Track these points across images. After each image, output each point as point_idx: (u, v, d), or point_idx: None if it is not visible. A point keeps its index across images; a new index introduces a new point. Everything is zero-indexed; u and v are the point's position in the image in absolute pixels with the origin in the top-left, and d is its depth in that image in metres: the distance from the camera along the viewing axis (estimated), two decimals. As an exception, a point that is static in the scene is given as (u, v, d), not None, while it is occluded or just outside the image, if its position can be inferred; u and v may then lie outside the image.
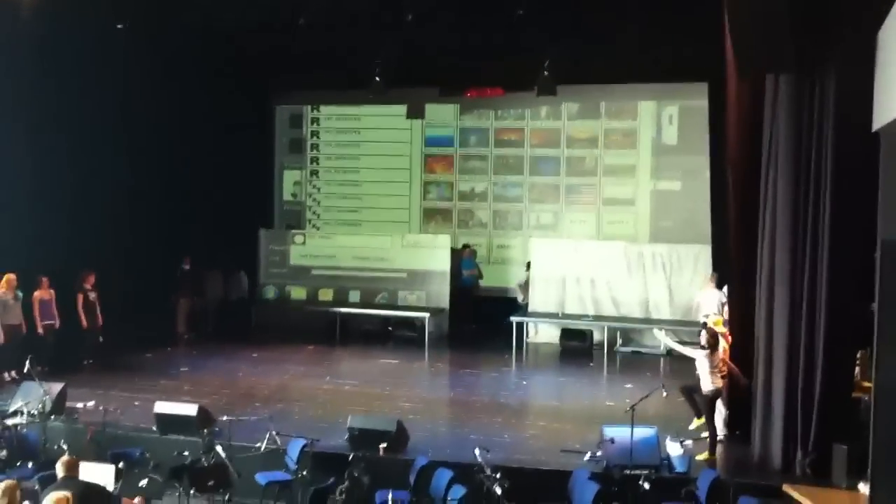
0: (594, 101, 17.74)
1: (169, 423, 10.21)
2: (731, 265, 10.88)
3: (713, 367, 9.82)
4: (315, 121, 19.53)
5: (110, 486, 7.86)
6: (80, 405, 11.03)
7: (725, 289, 12.08)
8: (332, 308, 17.42)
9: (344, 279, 17.94)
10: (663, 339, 11.07)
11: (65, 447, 8.99)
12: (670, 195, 17.25)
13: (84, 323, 13.72)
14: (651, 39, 14.04)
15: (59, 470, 7.33)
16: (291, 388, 13.10)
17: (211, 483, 8.81)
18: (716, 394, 9.93)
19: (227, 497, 8.87)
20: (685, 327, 15.12)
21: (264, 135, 19.25)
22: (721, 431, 10.17)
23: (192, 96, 15.97)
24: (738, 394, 10.17)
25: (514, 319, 16.01)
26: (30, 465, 9.26)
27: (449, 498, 8.22)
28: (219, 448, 9.10)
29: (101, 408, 10.47)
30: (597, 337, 16.15)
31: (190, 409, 10.26)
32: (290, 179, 19.66)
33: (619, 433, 9.22)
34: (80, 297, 13.70)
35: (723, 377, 9.99)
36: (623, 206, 17.64)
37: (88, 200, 14.25)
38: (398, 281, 17.67)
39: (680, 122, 17.19)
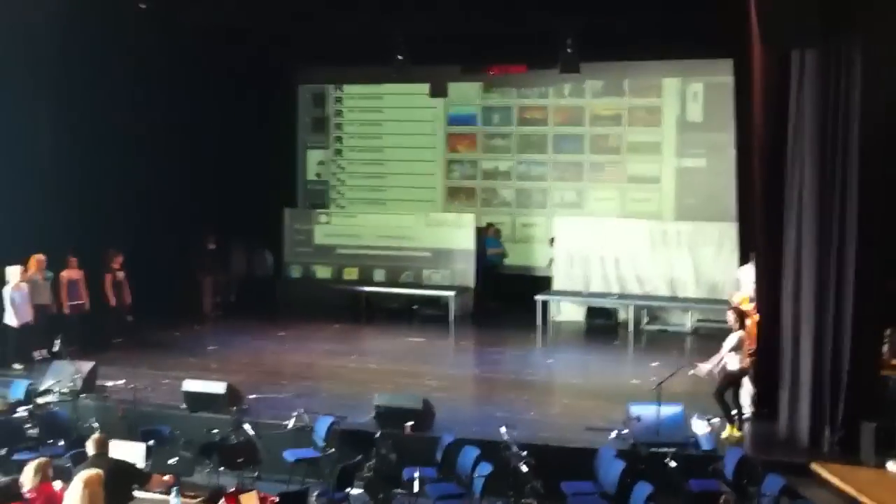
0: (618, 78, 17.58)
1: (198, 401, 10.32)
2: (757, 242, 10.81)
3: (741, 345, 9.79)
4: (338, 100, 19.50)
5: (141, 464, 7.97)
6: (110, 383, 11.23)
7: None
8: (357, 287, 17.49)
9: (368, 258, 17.98)
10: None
11: (95, 425, 9.11)
12: (695, 172, 17.11)
13: (112, 302, 13.86)
14: (675, 15, 13.89)
15: (90, 448, 7.43)
16: (318, 366, 13.20)
17: (240, 460, 8.93)
18: (743, 372, 9.90)
19: (255, 474, 8.97)
20: (710, 305, 15.09)
21: (287, 115, 19.26)
22: (748, 409, 10.15)
23: (216, 77, 16.02)
24: (764, 372, 10.14)
25: (539, 298, 16.00)
26: (61, 443, 9.39)
27: (475, 475, 8.27)
28: (247, 426, 9.21)
29: (130, 386, 10.64)
30: (622, 315, 16.11)
31: (218, 387, 10.37)
32: (313, 159, 19.67)
33: (646, 411, 9.24)
34: (109, 277, 13.83)
35: (749, 355, 9.96)
36: (647, 184, 17.52)
37: (115, 181, 14.32)
38: (422, 260, 17.70)
39: (705, 99, 17.01)
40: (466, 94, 18.64)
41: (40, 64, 13.24)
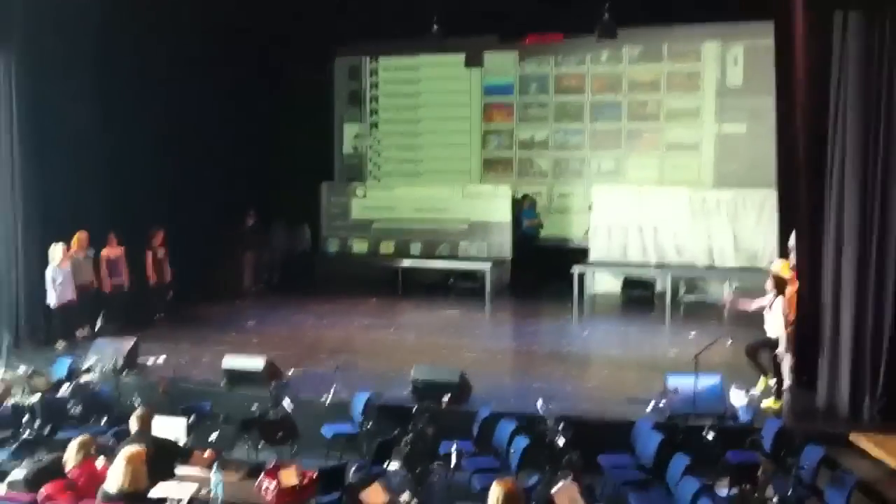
0: (656, 44, 17.32)
1: (237, 377, 10.43)
2: (799, 209, 10.62)
3: (780, 312, 9.67)
4: (373, 72, 19.45)
5: (182, 439, 8.07)
6: (151, 360, 11.35)
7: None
8: (393, 260, 17.53)
9: (405, 231, 18.00)
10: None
11: (137, 402, 9.22)
12: (735, 138, 16.83)
13: (153, 279, 14.03)
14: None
15: (133, 424, 7.55)
16: (356, 340, 13.28)
17: (279, 435, 9.01)
18: (780, 340, 9.77)
19: (294, 449, 9.06)
20: (750, 274, 14.90)
21: (324, 88, 19.26)
22: (787, 379, 10.03)
23: (252, 52, 16.04)
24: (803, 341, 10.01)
25: (576, 269, 15.91)
26: (104, 420, 9.52)
27: (512, 449, 8.28)
28: (286, 401, 9.28)
29: (171, 362, 10.76)
30: (659, 285, 15.97)
31: (258, 363, 10.45)
32: (350, 132, 19.67)
33: (683, 382, 9.17)
34: (150, 254, 13.99)
35: (789, 324, 9.83)
36: (686, 151, 17.29)
37: (155, 159, 14.41)
38: (459, 232, 17.67)
39: (745, 63, 16.71)
40: (502, 63, 18.49)
41: (79, 45, 13.29)
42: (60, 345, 12.31)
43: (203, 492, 6.82)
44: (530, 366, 11.88)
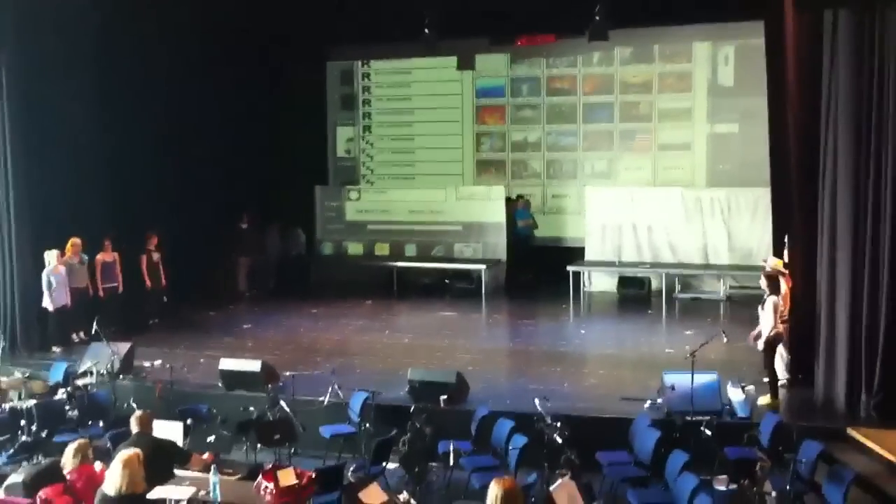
0: (647, 45, 17.36)
1: (234, 380, 10.43)
2: (792, 208, 10.67)
3: (775, 310, 9.70)
4: (366, 76, 19.47)
5: (179, 442, 8.07)
6: (147, 364, 11.37)
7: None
8: (388, 262, 17.54)
9: (399, 233, 18.01)
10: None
11: (134, 405, 9.21)
12: (728, 138, 16.90)
13: (148, 284, 14.01)
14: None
15: (134, 425, 7.55)
16: (352, 342, 13.27)
17: (277, 437, 9.01)
18: (777, 338, 9.81)
19: (292, 450, 9.06)
20: (744, 272, 14.95)
21: (316, 92, 19.27)
22: (783, 376, 10.07)
23: (246, 56, 16.06)
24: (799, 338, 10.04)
25: (571, 269, 15.94)
26: (100, 423, 9.55)
27: (510, 447, 8.30)
28: (283, 403, 9.29)
29: (167, 366, 10.76)
30: (655, 284, 16.02)
31: (254, 366, 10.46)
32: (343, 136, 19.67)
33: (680, 380, 9.19)
34: (144, 259, 13.97)
35: (784, 321, 9.87)
36: (679, 151, 17.33)
37: (149, 163, 14.42)
38: (453, 233, 17.69)
39: (736, 63, 16.76)
40: (494, 65, 18.53)
41: (76, 51, 13.33)
42: (56, 349, 12.30)
43: (201, 493, 6.82)
44: (527, 365, 11.89)
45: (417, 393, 9.87)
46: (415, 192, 18.38)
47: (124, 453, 6.49)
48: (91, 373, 10.45)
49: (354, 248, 18.45)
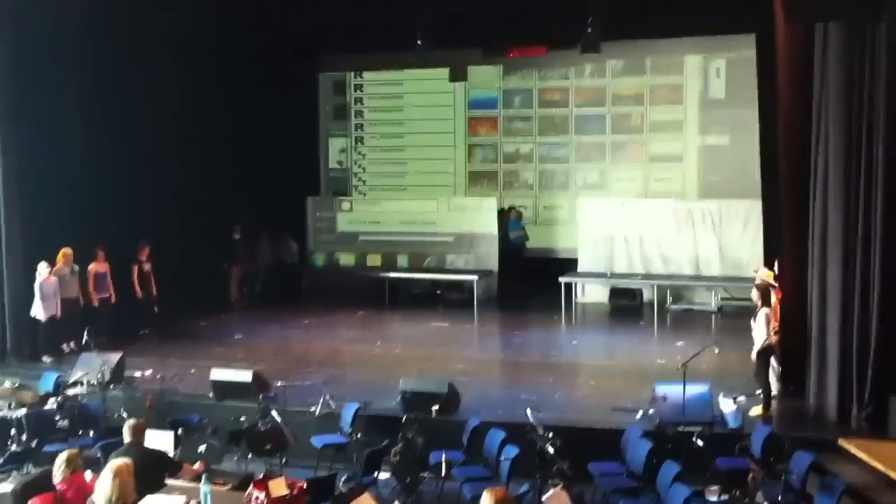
0: (639, 57, 17.46)
1: (225, 390, 10.40)
2: (783, 219, 10.72)
3: (767, 322, 9.73)
4: (358, 87, 19.52)
5: (171, 452, 8.03)
6: (138, 374, 11.35)
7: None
8: (380, 273, 17.53)
9: (392, 244, 18.01)
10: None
11: (125, 416, 9.16)
12: (719, 150, 16.97)
13: (139, 294, 13.98)
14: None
15: (126, 434, 7.49)
16: (343, 352, 13.26)
17: (268, 447, 8.99)
18: (769, 349, 9.83)
19: (283, 460, 9.04)
20: (735, 283, 14.99)
21: (309, 103, 19.30)
22: (775, 387, 10.09)
23: (238, 66, 16.07)
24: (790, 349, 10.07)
25: (563, 280, 15.96)
26: (91, 433, 9.51)
27: (502, 457, 8.30)
28: (274, 413, 9.27)
29: (158, 376, 10.74)
30: (647, 295, 16.04)
31: (245, 376, 10.43)
32: (335, 147, 19.71)
33: (672, 391, 9.20)
34: (136, 269, 13.94)
35: (775, 332, 9.90)
36: (671, 163, 17.40)
37: (141, 173, 14.39)
38: (445, 244, 17.70)
39: (728, 75, 16.85)
40: (486, 77, 18.60)
41: (69, 60, 13.35)
42: (47, 359, 12.25)
43: (192, 503, 6.79)
44: (519, 375, 11.90)
45: (409, 403, 9.85)
46: (407, 203, 18.40)
47: (114, 463, 6.45)
48: (82, 383, 10.37)
49: (346, 259, 18.44)
